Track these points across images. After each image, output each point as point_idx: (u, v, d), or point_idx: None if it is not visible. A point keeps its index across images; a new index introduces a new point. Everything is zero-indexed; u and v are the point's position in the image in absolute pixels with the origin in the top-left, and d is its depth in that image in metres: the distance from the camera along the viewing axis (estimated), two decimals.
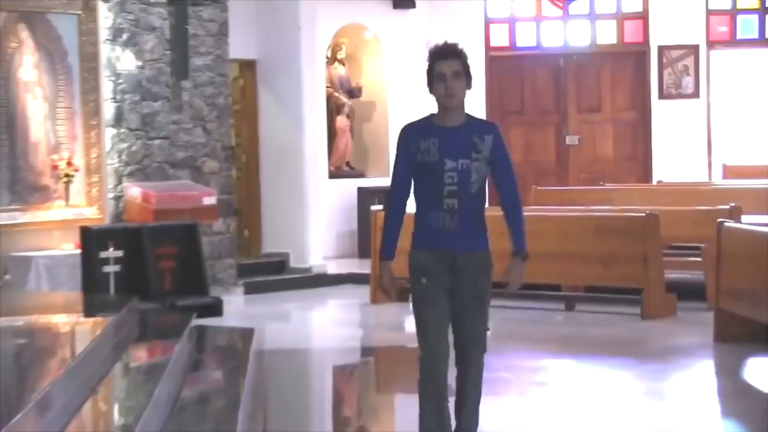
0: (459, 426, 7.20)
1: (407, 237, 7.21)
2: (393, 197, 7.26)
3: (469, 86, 7.11)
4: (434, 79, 7.08)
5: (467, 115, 7.18)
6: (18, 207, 14.35)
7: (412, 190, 7.23)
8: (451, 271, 7.08)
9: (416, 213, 7.19)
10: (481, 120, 7.42)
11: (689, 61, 21.77)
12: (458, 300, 7.10)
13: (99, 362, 8.17)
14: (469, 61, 7.12)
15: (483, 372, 7.23)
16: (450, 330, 7.17)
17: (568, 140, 21.93)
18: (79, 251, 13.58)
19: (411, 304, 7.26)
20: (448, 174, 6.99)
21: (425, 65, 7.17)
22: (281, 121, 18.27)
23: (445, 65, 7.04)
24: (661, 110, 21.77)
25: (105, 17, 15.35)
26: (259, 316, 14.95)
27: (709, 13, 21.90)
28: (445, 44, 7.13)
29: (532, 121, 21.95)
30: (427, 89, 7.18)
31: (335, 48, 20.08)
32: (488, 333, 7.25)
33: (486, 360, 7.26)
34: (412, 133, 7.16)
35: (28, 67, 14.48)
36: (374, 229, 15.74)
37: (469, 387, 7.18)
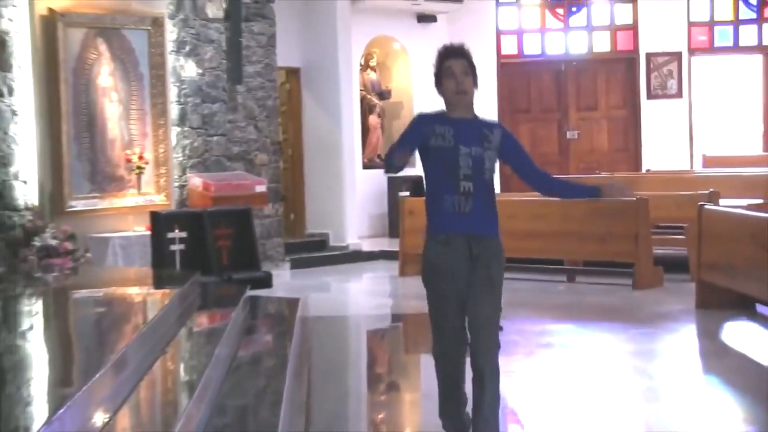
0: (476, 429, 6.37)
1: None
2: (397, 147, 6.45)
3: (476, 85, 6.48)
4: (444, 77, 6.49)
5: (475, 114, 6.53)
6: (97, 195, 14.38)
7: (424, 179, 6.65)
8: (468, 260, 6.32)
9: (429, 201, 6.51)
10: (488, 119, 6.66)
11: (673, 66, 21.72)
12: (471, 282, 6.32)
13: (167, 328, 8.19)
14: (475, 62, 6.50)
15: (499, 374, 6.35)
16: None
17: (569, 135, 21.92)
18: (149, 233, 13.61)
19: (427, 304, 6.56)
20: (463, 158, 6.31)
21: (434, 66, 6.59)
22: (322, 120, 18.28)
23: (454, 62, 6.46)
24: (649, 109, 21.74)
25: (170, 32, 15.36)
26: (304, 287, 14.95)
27: (691, 24, 21.87)
28: (452, 45, 6.59)
29: (537, 118, 21.93)
30: (436, 91, 6.57)
31: (368, 57, 20.09)
32: (501, 331, 6.52)
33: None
34: (428, 118, 6.50)
35: (106, 75, 14.50)
36: (402, 212, 15.76)
37: (486, 380, 6.27)
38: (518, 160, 6.61)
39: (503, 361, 6.25)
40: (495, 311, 6.38)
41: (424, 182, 6.59)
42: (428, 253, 6.46)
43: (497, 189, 6.95)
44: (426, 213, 6.52)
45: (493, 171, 6.42)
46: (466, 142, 6.34)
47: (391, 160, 6.50)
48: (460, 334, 6.40)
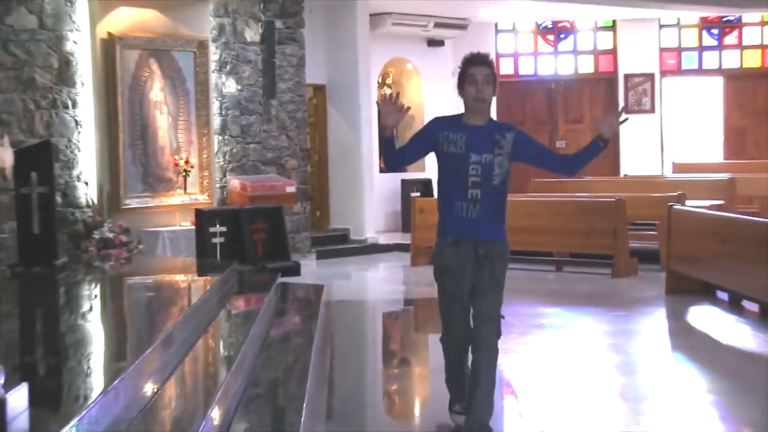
0: (470, 414, 6.11)
1: (433, 230, 6.39)
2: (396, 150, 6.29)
3: (494, 92, 6.16)
4: (466, 82, 6.11)
5: (490, 117, 6.26)
6: (149, 194, 14.37)
7: (436, 182, 6.34)
8: (474, 261, 6.09)
9: (440, 203, 6.19)
10: (502, 122, 6.44)
11: (647, 86, 21.70)
12: (477, 280, 6.09)
13: (208, 310, 8.18)
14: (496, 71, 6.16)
15: (497, 358, 6.14)
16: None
17: (558, 144, 21.85)
18: (193, 227, 13.59)
19: (438, 299, 6.39)
20: (472, 166, 5.98)
21: (459, 71, 6.20)
22: (344, 130, 18.25)
23: (478, 70, 6.09)
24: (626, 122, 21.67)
25: (213, 53, 15.35)
26: (328, 275, 14.91)
27: (662, 50, 21.89)
28: (478, 53, 6.21)
29: (531, 129, 21.56)
30: (457, 92, 6.21)
31: (384, 75, 20.07)
32: (503, 320, 6.24)
33: None
34: (443, 123, 6.18)
35: (157, 90, 14.49)
36: (413, 210, 15.73)
37: (482, 369, 6.05)
38: (535, 156, 6.28)
39: (501, 340, 6.19)
40: (497, 307, 6.16)
41: (437, 186, 6.27)
42: (439, 254, 6.23)
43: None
44: (438, 215, 6.25)
45: (504, 175, 6.09)
46: (477, 150, 6.03)
47: (387, 159, 6.38)
48: (465, 327, 6.21)
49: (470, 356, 6.28)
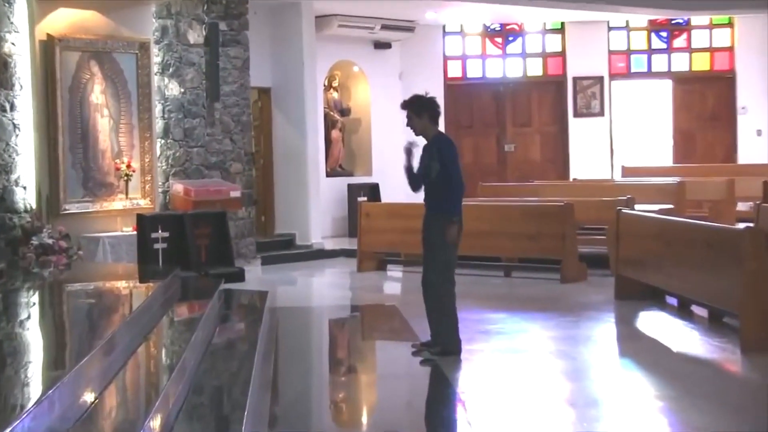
0: None
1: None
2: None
3: (421, 119, 9.03)
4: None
5: (432, 136, 9.10)
6: (89, 199, 14.29)
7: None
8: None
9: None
10: (434, 138, 9.15)
11: (596, 89, 21.84)
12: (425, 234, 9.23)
13: (150, 316, 8.15)
14: (418, 103, 9.03)
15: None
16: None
17: (506, 147, 21.96)
18: (135, 233, 13.54)
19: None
20: (424, 168, 9.00)
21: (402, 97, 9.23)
22: (290, 134, 18.22)
23: (405, 113, 9.10)
24: (575, 125, 21.82)
25: (156, 55, 15.30)
26: (272, 281, 14.89)
27: (611, 52, 22.03)
28: (403, 100, 9.19)
29: (479, 132, 21.95)
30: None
31: (331, 78, 20.04)
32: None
33: None
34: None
35: (98, 93, 14.41)
36: (360, 215, 15.69)
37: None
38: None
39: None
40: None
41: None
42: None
43: None
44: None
45: (437, 171, 8.93)
46: (422, 159, 9.04)
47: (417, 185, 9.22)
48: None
49: None
